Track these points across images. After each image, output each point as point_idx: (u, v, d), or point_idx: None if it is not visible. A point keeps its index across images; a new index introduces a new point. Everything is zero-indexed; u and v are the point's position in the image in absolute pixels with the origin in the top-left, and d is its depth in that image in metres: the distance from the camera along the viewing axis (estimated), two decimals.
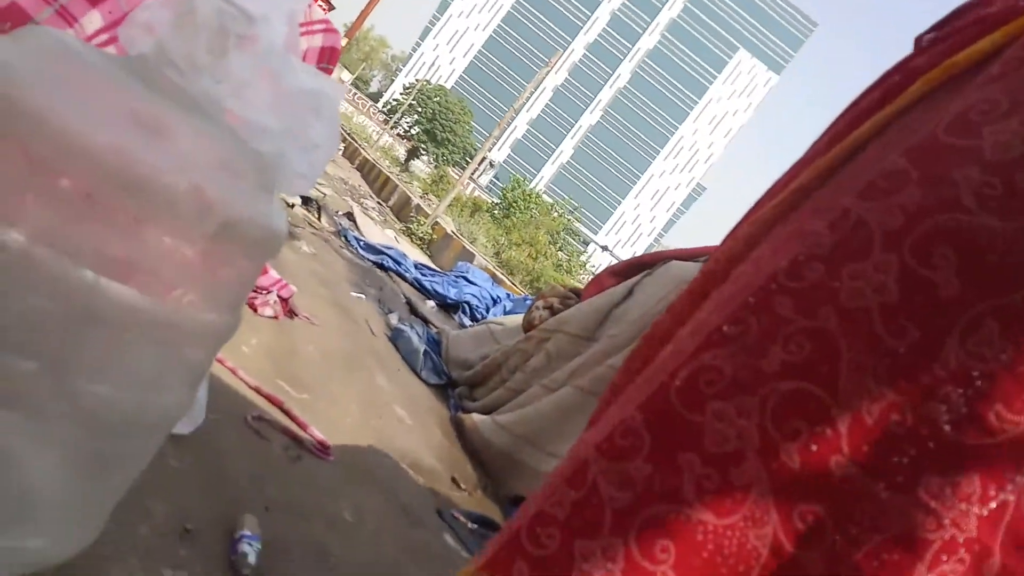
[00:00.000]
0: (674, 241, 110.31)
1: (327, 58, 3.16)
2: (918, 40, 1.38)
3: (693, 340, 1.01)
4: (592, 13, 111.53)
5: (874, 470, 0.86)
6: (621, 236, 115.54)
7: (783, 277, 0.97)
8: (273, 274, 3.45)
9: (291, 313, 3.59)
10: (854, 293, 0.92)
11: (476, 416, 3.86)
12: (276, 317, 3.38)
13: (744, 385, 0.94)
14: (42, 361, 1.00)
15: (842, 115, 1.28)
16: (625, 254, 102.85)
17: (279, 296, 3.44)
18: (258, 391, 2.52)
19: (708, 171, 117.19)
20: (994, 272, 0.87)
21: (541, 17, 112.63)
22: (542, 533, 0.97)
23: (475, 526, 2.81)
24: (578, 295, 5.01)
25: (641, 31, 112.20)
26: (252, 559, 1.59)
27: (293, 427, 2.45)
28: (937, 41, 1.19)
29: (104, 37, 2.24)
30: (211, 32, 1.07)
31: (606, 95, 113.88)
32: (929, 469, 0.84)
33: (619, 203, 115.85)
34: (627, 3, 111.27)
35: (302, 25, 2.89)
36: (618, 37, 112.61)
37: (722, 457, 0.92)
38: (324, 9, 3.68)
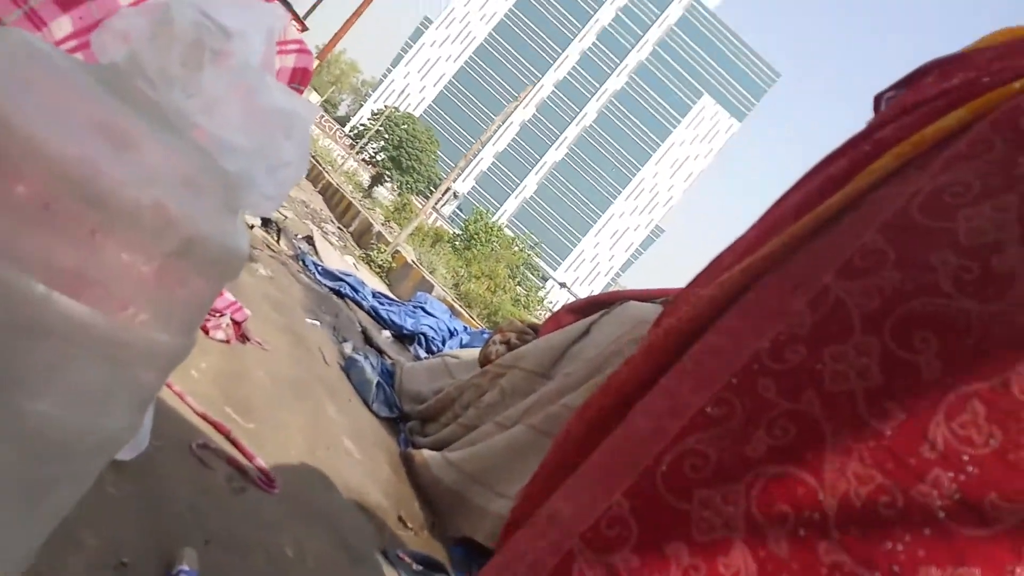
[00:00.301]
0: (631, 281, 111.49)
1: (299, 79, 3.13)
2: (877, 99, 1.41)
3: (675, 421, 0.99)
4: (563, 51, 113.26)
5: (866, 559, 0.84)
6: (580, 274, 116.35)
7: (766, 358, 0.97)
8: (228, 296, 3.36)
9: (243, 337, 3.49)
10: (837, 376, 0.92)
11: (426, 452, 3.79)
12: (228, 341, 3.29)
13: (729, 471, 0.93)
14: None
15: (806, 178, 1.30)
16: (583, 292, 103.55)
17: (232, 319, 3.35)
18: (205, 418, 2.43)
19: (667, 214, 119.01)
20: (975, 355, 0.87)
21: (512, 51, 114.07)
22: None
23: (420, 567, 2.73)
24: (535, 331, 4.99)
25: (609, 71, 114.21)
26: None
27: (239, 457, 2.36)
28: (900, 107, 1.22)
29: (73, 44, 2.18)
30: (187, 45, 1.03)
31: (572, 133, 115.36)
32: (927, 560, 0.82)
33: (579, 241, 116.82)
34: (597, 43, 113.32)
35: (276, 44, 2.85)
36: (587, 76, 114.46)
37: (709, 546, 0.91)
38: (298, 29, 3.65)
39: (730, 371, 0.99)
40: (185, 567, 1.57)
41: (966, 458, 0.83)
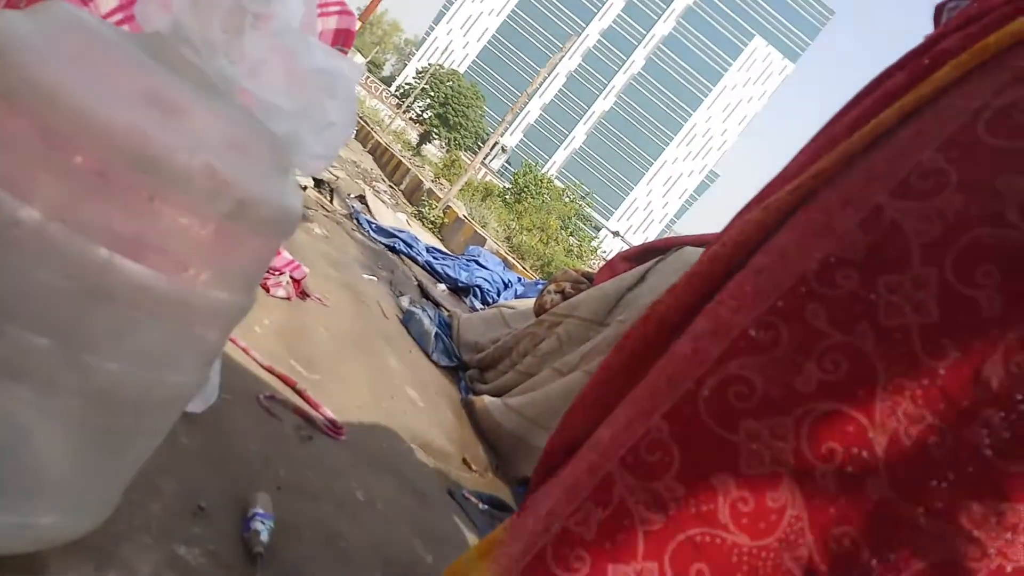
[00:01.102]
0: (686, 228, 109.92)
1: (342, 40, 3.15)
2: (939, 9, 1.30)
3: (717, 343, 0.98)
4: None
5: (912, 494, 0.84)
6: (633, 222, 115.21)
7: (814, 281, 0.94)
8: (286, 255, 3.45)
9: (303, 294, 3.59)
10: (892, 310, 0.89)
11: (487, 398, 3.87)
12: (288, 298, 3.39)
13: (778, 404, 0.91)
14: (54, 337, 1.01)
15: (861, 95, 1.20)
16: (637, 240, 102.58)
17: (291, 277, 3.45)
18: (270, 371, 2.53)
19: (721, 159, 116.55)
20: None
21: (555, 2, 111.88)
22: (571, 555, 0.95)
23: (486, 507, 2.82)
24: (590, 280, 5.00)
25: (656, 17, 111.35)
26: (265, 537, 1.60)
27: (305, 407, 2.46)
28: (964, 16, 1.10)
29: (119, 16, 2.24)
30: (227, 10, 1.06)
31: (620, 81, 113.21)
32: (970, 495, 0.82)
33: (631, 189, 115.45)
34: None
35: (318, 6, 2.88)
36: (632, 23, 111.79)
37: (757, 480, 0.90)
38: None
39: (776, 293, 0.96)
40: (260, 510, 1.66)
41: (1019, 396, 0.82)
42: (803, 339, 0.92)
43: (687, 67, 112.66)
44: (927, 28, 1.37)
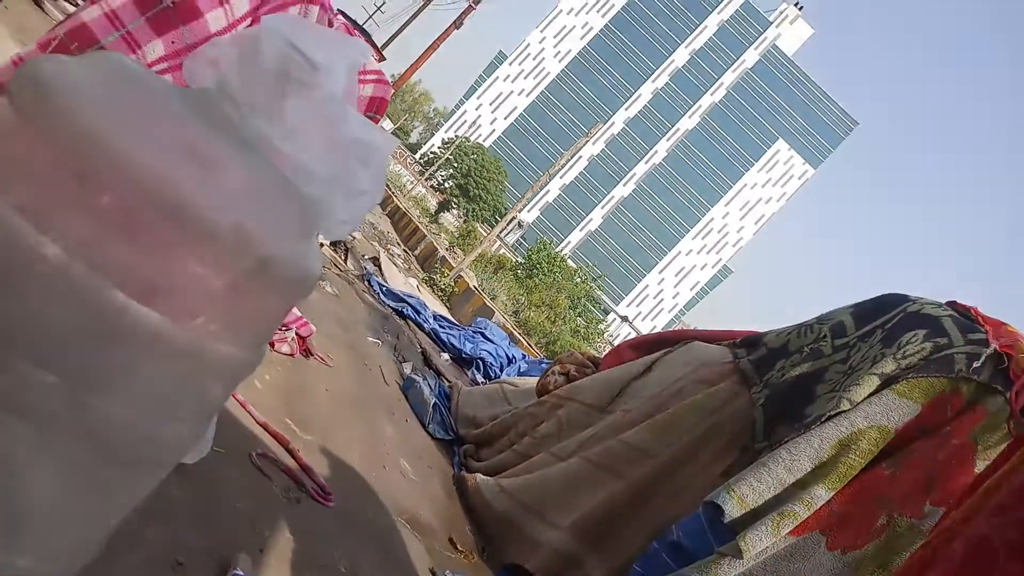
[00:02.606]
0: (696, 320, 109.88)
1: (376, 108, 3.23)
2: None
3: None
4: (636, 90, 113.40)
5: None
6: (642, 309, 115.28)
7: None
8: (295, 311, 3.46)
9: (307, 352, 3.58)
10: None
11: (479, 477, 3.80)
12: (292, 354, 3.38)
13: None
14: (61, 375, 1.00)
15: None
16: (645, 327, 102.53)
17: (298, 333, 3.45)
18: (265, 428, 2.51)
19: (736, 254, 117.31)
20: None
21: (584, 89, 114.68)
22: None
23: None
24: (596, 364, 4.98)
25: (682, 112, 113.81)
26: None
27: (296, 469, 2.42)
28: None
29: (164, 65, 2.30)
30: (274, 75, 1.09)
31: (640, 170, 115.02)
32: None
33: (643, 276, 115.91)
34: (671, 83, 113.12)
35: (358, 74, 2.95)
36: (658, 115, 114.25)
37: None
38: (376, 59, 3.77)
39: None
40: (240, 572, 1.61)
41: None
42: None
43: (709, 162, 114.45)
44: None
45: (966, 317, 3.35)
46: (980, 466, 2.83)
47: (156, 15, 2.23)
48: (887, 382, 3.05)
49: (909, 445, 2.96)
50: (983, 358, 2.97)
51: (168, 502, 1.70)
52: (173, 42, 2.31)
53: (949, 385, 2.96)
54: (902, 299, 3.61)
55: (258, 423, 2.49)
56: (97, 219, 0.99)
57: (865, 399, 3.03)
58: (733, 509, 2.93)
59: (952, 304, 3.49)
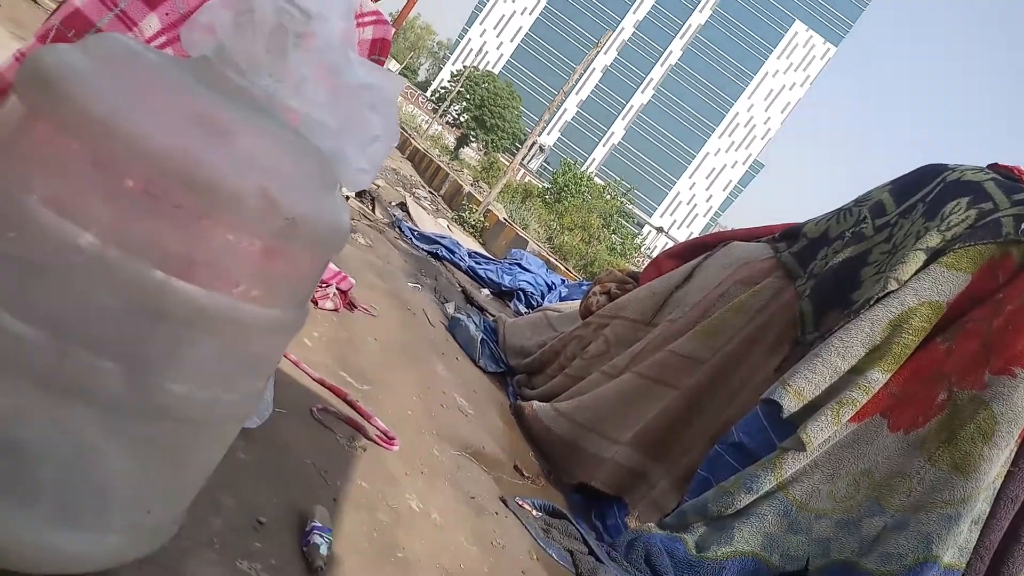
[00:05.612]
0: (732, 221, 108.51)
1: (378, 50, 3.16)
2: None
3: None
4: None
5: None
6: (677, 217, 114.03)
7: None
8: (332, 267, 3.49)
9: (351, 305, 3.62)
10: None
11: (536, 404, 3.85)
12: (336, 310, 3.42)
13: None
14: (118, 359, 1.02)
15: None
16: (681, 235, 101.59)
17: (338, 289, 3.48)
18: (322, 383, 2.56)
19: (765, 148, 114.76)
20: None
21: None
22: None
23: (540, 514, 2.81)
24: (635, 279, 4.96)
25: (692, 7, 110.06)
26: (324, 550, 1.61)
27: (357, 418, 2.47)
28: None
29: (162, 39, 2.28)
30: (270, 32, 1.07)
31: (657, 73, 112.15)
32: None
33: (674, 183, 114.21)
34: None
35: (355, 17, 2.89)
36: (668, 14, 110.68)
37: None
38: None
39: None
40: (318, 523, 1.67)
41: None
42: None
43: (726, 56, 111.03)
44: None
45: (1009, 178, 3.25)
46: None
47: None
48: (934, 256, 3.00)
49: (962, 317, 2.92)
50: None
51: (240, 467, 1.76)
52: (167, 14, 2.28)
53: (998, 250, 2.90)
54: (940, 168, 3.51)
55: (314, 380, 2.55)
56: (123, 202, 1.00)
57: (913, 276, 2.98)
58: (791, 403, 2.93)
59: (994, 167, 3.38)
